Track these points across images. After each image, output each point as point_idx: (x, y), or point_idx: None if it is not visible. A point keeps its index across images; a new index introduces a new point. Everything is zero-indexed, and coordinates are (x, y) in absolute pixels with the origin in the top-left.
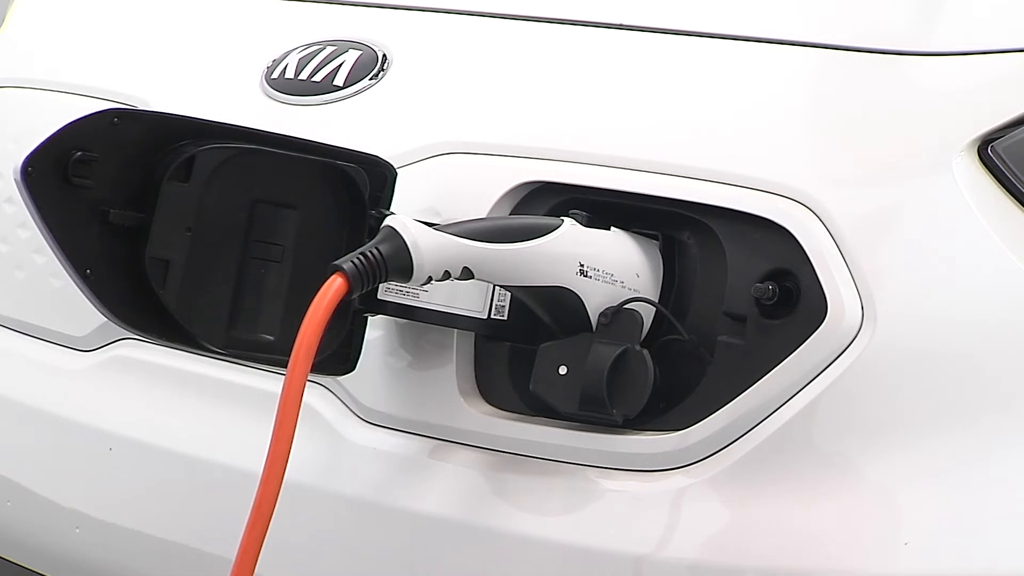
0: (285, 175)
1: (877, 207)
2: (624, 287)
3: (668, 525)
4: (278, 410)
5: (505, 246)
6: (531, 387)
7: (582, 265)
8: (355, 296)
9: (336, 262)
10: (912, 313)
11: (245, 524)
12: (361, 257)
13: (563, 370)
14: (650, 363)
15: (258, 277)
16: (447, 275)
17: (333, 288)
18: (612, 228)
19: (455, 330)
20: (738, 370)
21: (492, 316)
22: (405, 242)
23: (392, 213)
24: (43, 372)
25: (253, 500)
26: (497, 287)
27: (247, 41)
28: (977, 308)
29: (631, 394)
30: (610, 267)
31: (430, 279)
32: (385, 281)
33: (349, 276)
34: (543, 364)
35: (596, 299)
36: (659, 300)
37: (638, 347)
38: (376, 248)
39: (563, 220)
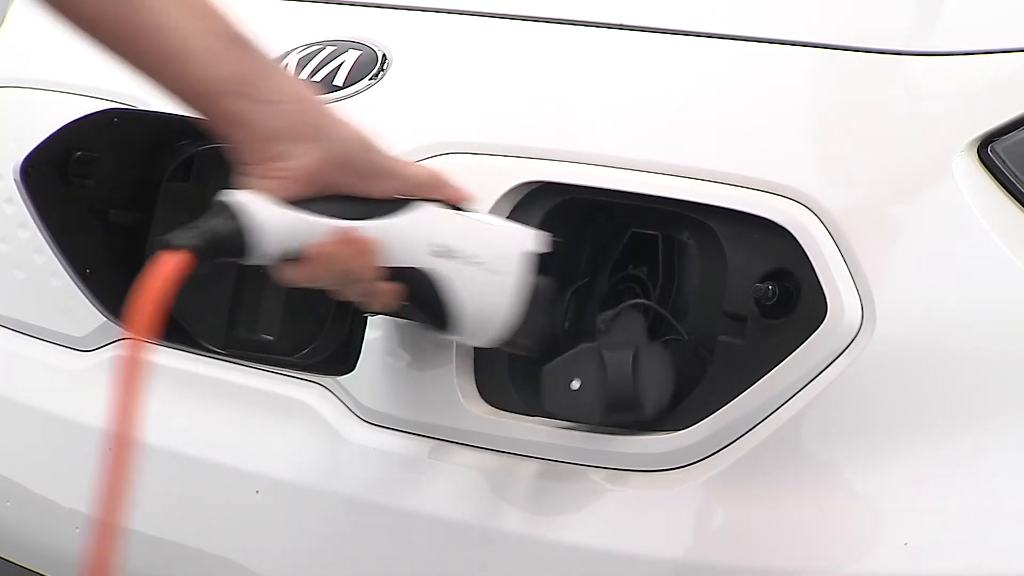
0: None
1: (877, 207)
2: (495, 272)
3: (668, 525)
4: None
5: (352, 223)
6: (545, 407)
7: (437, 245)
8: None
9: (167, 236)
10: (912, 313)
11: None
12: (197, 231)
13: (575, 384)
14: (665, 353)
15: (258, 277)
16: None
17: (172, 263)
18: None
19: None
20: (738, 370)
21: None
22: (240, 218)
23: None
24: (43, 372)
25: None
26: None
27: None
28: (977, 308)
29: (657, 388)
30: (475, 248)
31: (283, 257)
32: (224, 257)
33: (191, 251)
34: (552, 384)
35: (457, 282)
36: (659, 300)
37: (647, 343)
38: (210, 222)
39: (423, 202)
